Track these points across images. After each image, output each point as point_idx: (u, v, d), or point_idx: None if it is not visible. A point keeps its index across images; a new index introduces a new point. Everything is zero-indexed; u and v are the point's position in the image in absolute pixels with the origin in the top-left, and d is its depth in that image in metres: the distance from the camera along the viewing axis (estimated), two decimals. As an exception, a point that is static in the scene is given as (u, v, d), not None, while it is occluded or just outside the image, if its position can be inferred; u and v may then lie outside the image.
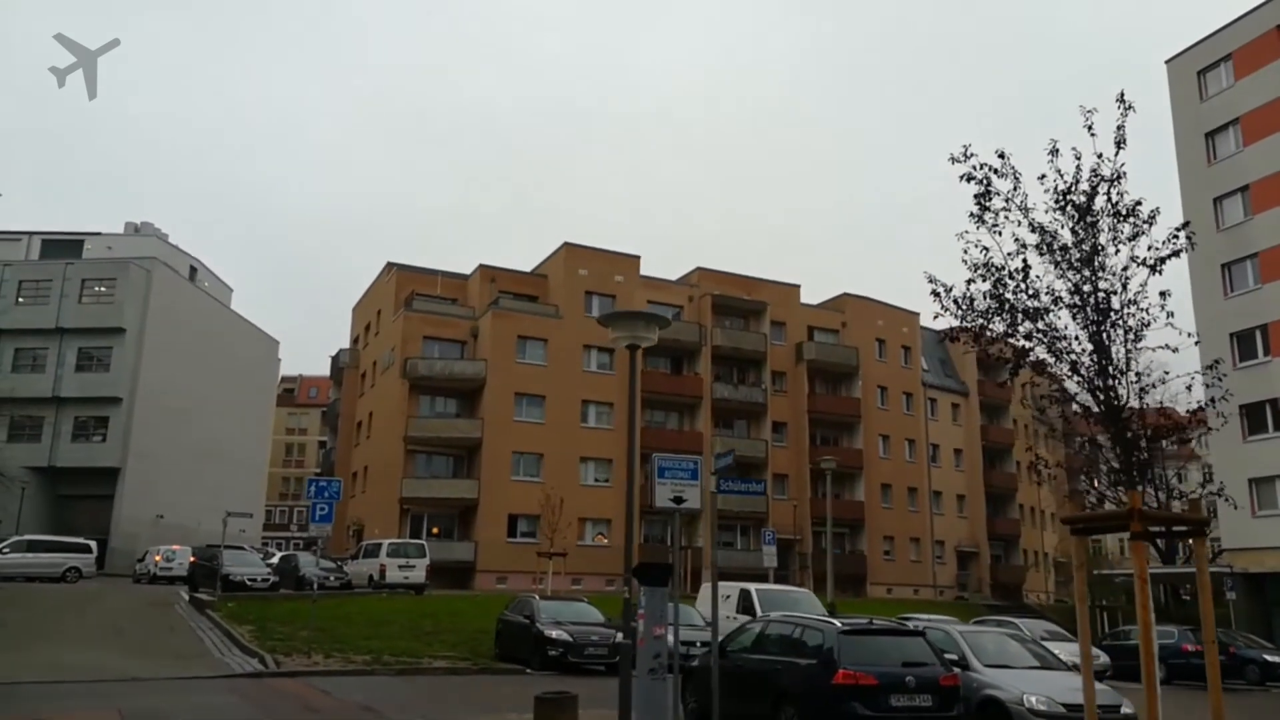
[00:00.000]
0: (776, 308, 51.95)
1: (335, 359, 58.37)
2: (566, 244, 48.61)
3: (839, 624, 10.62)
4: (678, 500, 10.80)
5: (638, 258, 49.37)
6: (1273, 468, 34.49)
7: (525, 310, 47.12)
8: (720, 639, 16.01)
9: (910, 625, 12.41)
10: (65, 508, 48.99)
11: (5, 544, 35.40)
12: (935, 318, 14.17)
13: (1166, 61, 40.40)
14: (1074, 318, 14.18)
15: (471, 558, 42.44)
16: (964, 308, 13.94)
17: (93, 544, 38.65)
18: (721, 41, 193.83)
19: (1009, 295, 14.14)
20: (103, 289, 52.04)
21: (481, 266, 49.60)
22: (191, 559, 36.05)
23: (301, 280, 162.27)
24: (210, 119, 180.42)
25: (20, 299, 51.20)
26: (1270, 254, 34.96)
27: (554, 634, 18.92)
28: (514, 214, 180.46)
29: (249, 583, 30.51)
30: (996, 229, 14.14)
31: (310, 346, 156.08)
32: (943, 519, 56.43)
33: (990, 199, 14.10)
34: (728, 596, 22.37)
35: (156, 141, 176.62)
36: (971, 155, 13.83)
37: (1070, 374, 14.18)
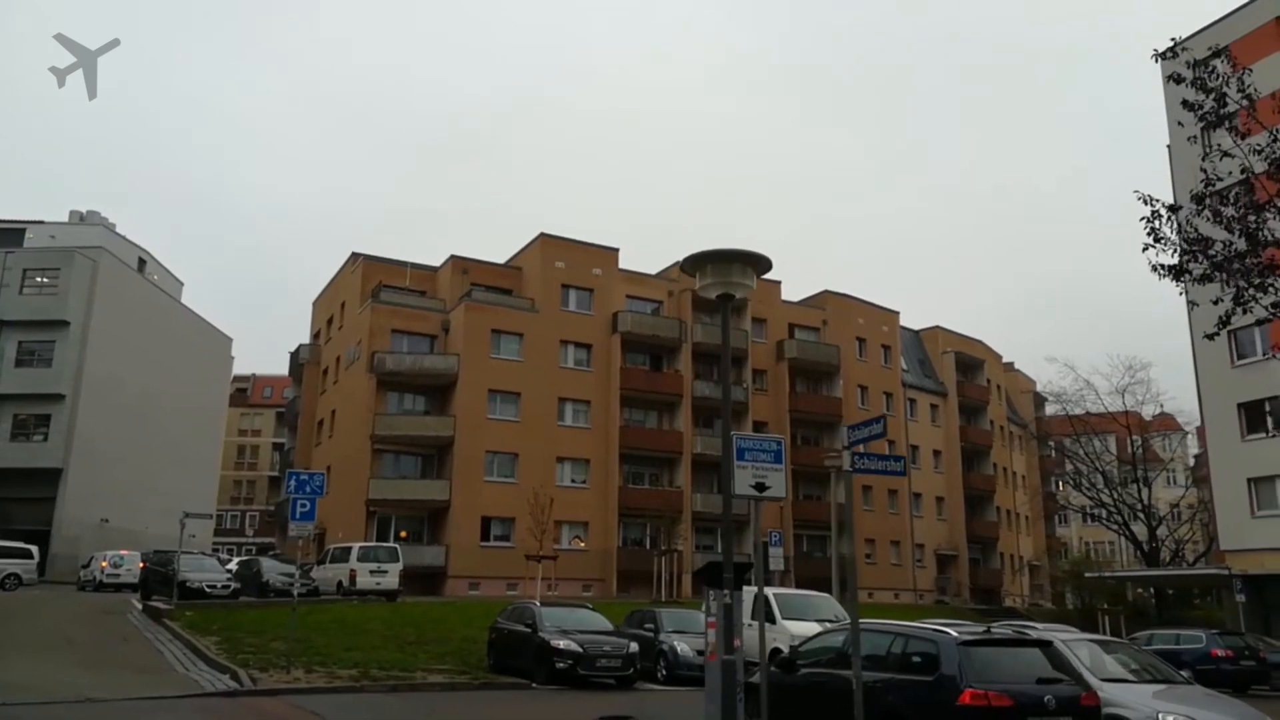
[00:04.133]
0: (757, 304, 50.54)
1: (295, 354, 55.68)
2: (542, 235, 46.75)
3: (954, 633, 8.99)
4: (759, 487, 9.09)
5: (616, 250, 47.71)
6: (1272, 467, 33.71)
7: (499, 303, 45.15)
8: (779, 650, 14.35)
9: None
10: (2, 511, 45.88)
11: (-63, 549, 32.76)
12: (1144, 249, 12.22)
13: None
14: None
15: (442, 562, 40.35)
16: (1193, 236, 11.93)
17: (34, 549, 36.08)
18: (703, 34, 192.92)
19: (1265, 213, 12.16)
20: (45, 279, 49.18)
21: (453, 257, 47.48)
22: (141, 564, 33.68)
23: (253, 279, 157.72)
24: (160, 111, 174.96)
25: (-45, 289, 48.12)
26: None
27: (562, 644, 17.13)
28: (484, 211, 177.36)
29: (208, 589, 28.28)
30: (1235, 130, 12.26)
31: (264, 346, 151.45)
32: (922, 521, 55.46)
33: (1223, 102, 12.21)
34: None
35: (100, 132, 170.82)
36: (1184, 50, 12.07)
37: None
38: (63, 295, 48.12)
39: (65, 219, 60.86)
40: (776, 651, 14.68)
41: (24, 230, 56.90)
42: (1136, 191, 12.33)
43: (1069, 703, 8.51)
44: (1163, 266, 12.21)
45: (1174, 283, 12.10)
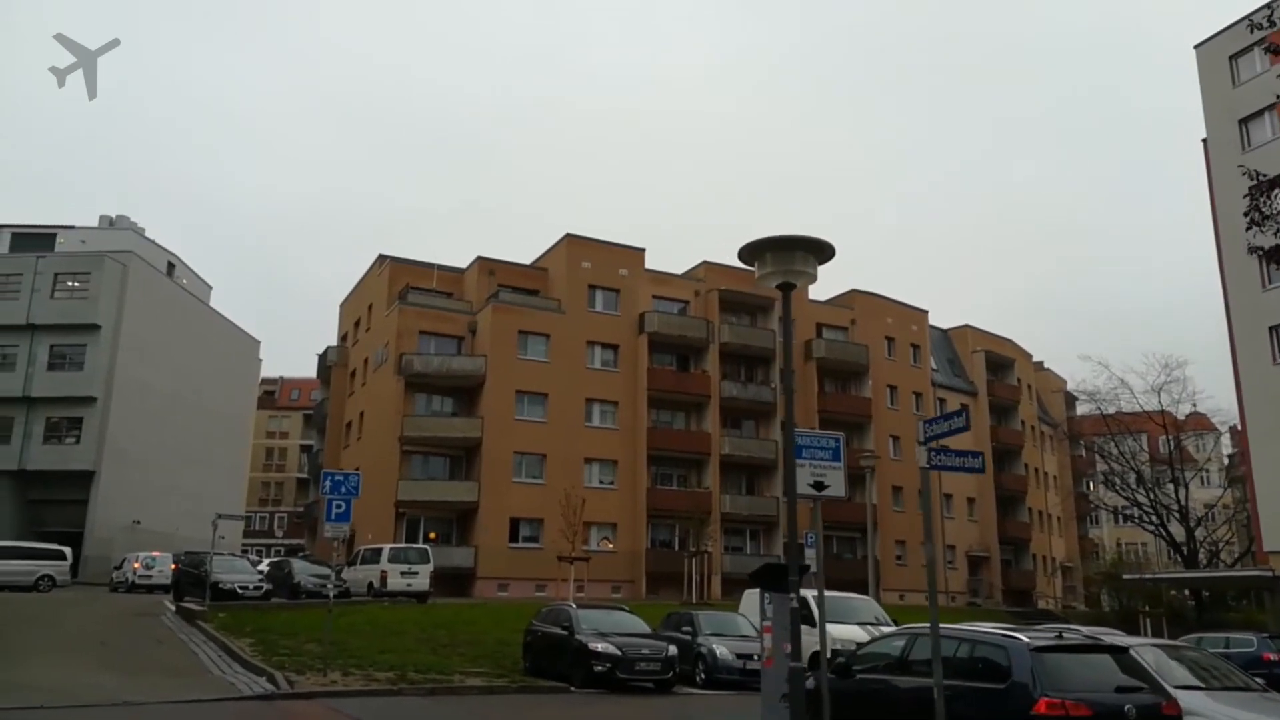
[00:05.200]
0: (784, 303, 49.95)
1: (323, 356, 55.83)
2: (568, 235, 46.53)
3: (1025, 638, 8.59)
4: (818, 486, 8.74)
5: (643, 250, 47.39)
6: (1318, 466, 32.80)
7: (526, 304, 44.96)
8: (837, 655, 13.94)
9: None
10: (36, 513, 46.30)
11: (-28, 551, 33.01)
12: (1248, 229, 11.58)
13: (1196, 46, 39.00)
14: None
15: (471, 564, 40.20)
16: None
17: (67, 550, 36.22)
18: (704, 34, 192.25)
19: None
20: (76, 284, 49.44)
21: (480, 259, 47.37)
22: (173, 565, 33.75)
23: (281, 283, 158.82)
24: (187, 118, 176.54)
25: (-12, 293, 48.51)
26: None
27: (600, 647, 16.79)
28: (484, 211, 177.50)
29: (240, 591, 28.25)
30: None
31: (291, 349, 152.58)
32: (954, 522, 54.68)
33: None
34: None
35: (130, 139, 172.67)
36: None
37: None
38: (93, 299, 48.39)
39: (95, 224, 61.31)
40: (817, 655, 14.32)
41: (54, 235, 57.38)
42: (1241, 167, 11.51)
43: (1150, 712, 8.07)
44: (1260, 249, 11.50)
45: (1275, 266, 11.50)
